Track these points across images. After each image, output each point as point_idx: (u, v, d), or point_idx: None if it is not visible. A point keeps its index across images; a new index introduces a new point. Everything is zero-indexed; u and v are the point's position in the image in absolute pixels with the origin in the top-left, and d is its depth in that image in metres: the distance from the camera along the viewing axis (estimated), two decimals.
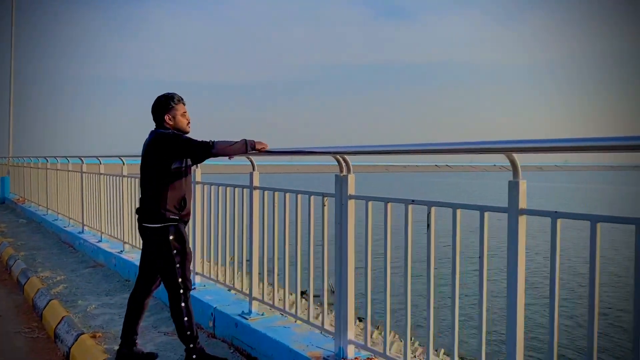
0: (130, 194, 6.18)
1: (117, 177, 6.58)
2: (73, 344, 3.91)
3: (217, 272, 4.48)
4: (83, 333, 4.04)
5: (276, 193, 3.66)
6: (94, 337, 4.05)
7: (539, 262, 12.56)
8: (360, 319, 4.68)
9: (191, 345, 3.42)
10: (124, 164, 6.49)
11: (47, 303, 4.91)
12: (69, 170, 8.89)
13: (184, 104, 3.46)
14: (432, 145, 2.46)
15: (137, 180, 5.91)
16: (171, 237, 3.36)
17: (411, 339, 2.80)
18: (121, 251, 6.38)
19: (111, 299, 5.20)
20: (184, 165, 3.41)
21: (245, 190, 3.99)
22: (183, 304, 3.39)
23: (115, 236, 6.75)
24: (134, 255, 6.11)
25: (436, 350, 5.23)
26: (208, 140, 3.27)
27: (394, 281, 2.81)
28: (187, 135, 3.44)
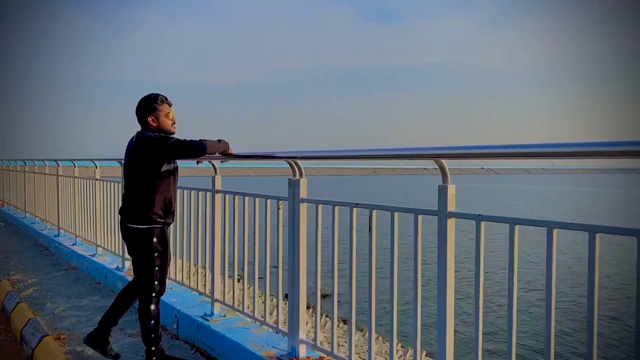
0: (103, 197, 6.22)
1: (90, 180, 6.62)
2: (37, 345, 3.95)
3: (182, 275, 4.54)
4: (47, 335, 4.08)
5: (237, 196, 3.74)
6: (58, 338, 4.10)
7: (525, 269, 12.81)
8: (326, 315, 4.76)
9: (153, 348, 3.47)
10: (96, 167, 6.53)
11: (16, 305, 4.94)
12: (45, 174, 8.89)
13: (169, 105, 3.42)
14: (368, 151, 2.57)
15: (110, 184, 5.97)
16: (155, 240, 3.38)
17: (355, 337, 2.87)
18: (94, 254, 6.42)
19: (80, 301, 5.24)
20: (172, 166, 3.43)
21: (208, 193, 4.06)
22: (153, 306, 3.43)
23: (89, 239, 6.79)
24: (106, 259, 6.16)
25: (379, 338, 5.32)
26: (198, 140, 3.23)
27: (347, 282, 2.88)
28: (174, 135, 3.41)
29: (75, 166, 7.48)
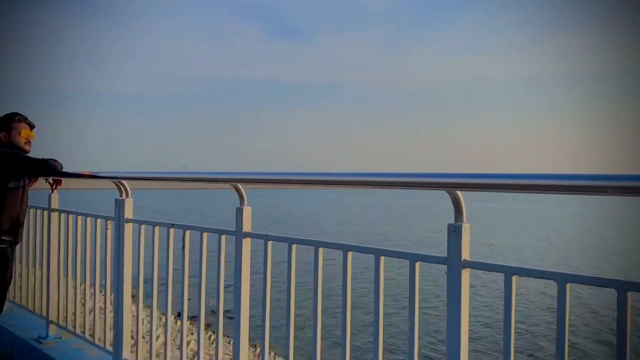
0: None
1: None
2: None
3: (21, 295, 4.37)
4: None
5: (70, 215, 3.70)
6: None
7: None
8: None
9: None
10: None
11: None
12: None
13: (28, 125, 3.49)
14: (180, 173, 2.72)
15: None
16: None
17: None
18: None
19: None
20: (21, 184, 3.39)
21: (45, 212, 3.96)
22: None
23: None
24: None
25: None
26: (49, 159, 3.34)
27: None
28: (27, 154, 3.45)
29: None
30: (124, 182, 3.11)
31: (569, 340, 1.60)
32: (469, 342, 1.78)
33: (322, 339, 2.16)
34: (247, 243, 2.43)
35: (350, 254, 2.04)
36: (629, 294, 1.47)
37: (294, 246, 2.24)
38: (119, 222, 3.14)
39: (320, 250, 2.14)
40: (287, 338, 2.26)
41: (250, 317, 2.46)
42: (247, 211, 2.43)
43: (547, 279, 1.60)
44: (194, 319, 5.21)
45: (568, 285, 1.57)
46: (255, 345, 6.85)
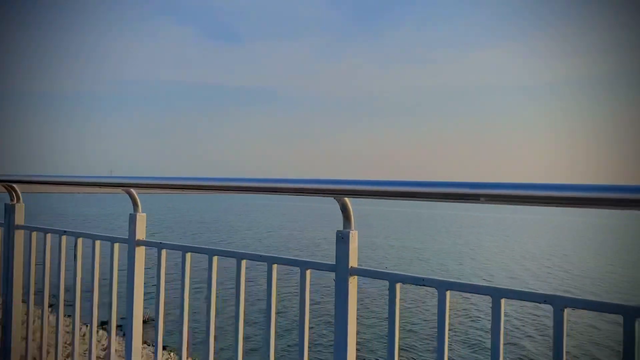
0: None
1: None
2: None
3: None
4: None
5: None
6: None
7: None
8: None
9: None
10: None
11: None
12: None
13: None
14: (72, 177, 2.57)
15: None
16: None
17: None
18: None
19: None
20: None
21: None
22: None
23: None
24: None
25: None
26: None
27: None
28: None
29: None
30: (15, 186, 2.90)
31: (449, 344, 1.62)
32: (357, 351, 1.77)
33: (225, 348, 2.09)
34: (140, 251, 2.32)
35: (244, 262, 1.99)
36: (502, 300, 1.51)
37: (188, 255, 2.16)
38: (9, 229, 2.92)
39: (215, 258, 2.07)
40: (180, 344, 2.17)
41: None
42: (141, 218, 2.32)
43: (428, 286, 1.62)
44: (102, 327, 5.00)
45: (447, 293, 1.59)
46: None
